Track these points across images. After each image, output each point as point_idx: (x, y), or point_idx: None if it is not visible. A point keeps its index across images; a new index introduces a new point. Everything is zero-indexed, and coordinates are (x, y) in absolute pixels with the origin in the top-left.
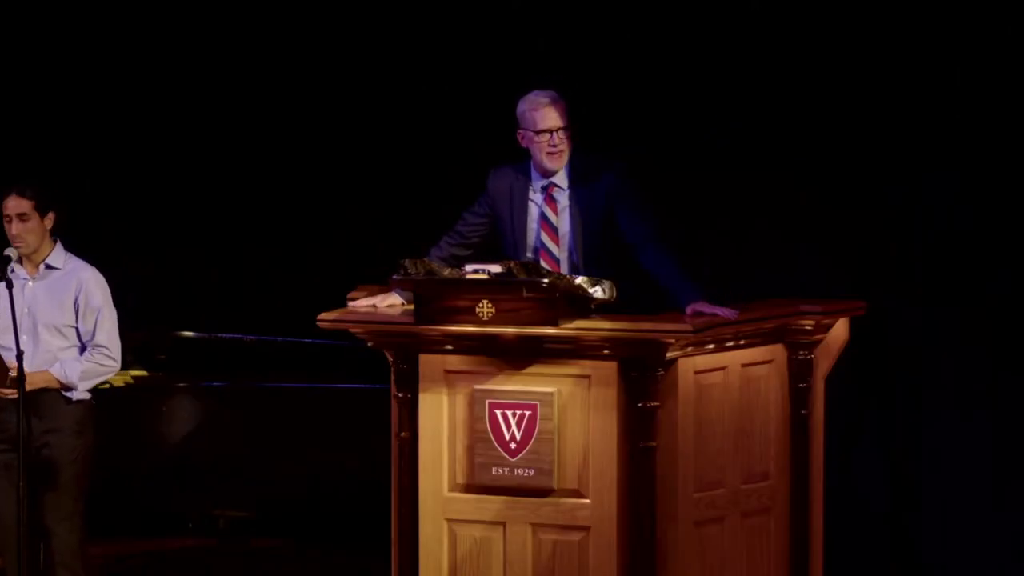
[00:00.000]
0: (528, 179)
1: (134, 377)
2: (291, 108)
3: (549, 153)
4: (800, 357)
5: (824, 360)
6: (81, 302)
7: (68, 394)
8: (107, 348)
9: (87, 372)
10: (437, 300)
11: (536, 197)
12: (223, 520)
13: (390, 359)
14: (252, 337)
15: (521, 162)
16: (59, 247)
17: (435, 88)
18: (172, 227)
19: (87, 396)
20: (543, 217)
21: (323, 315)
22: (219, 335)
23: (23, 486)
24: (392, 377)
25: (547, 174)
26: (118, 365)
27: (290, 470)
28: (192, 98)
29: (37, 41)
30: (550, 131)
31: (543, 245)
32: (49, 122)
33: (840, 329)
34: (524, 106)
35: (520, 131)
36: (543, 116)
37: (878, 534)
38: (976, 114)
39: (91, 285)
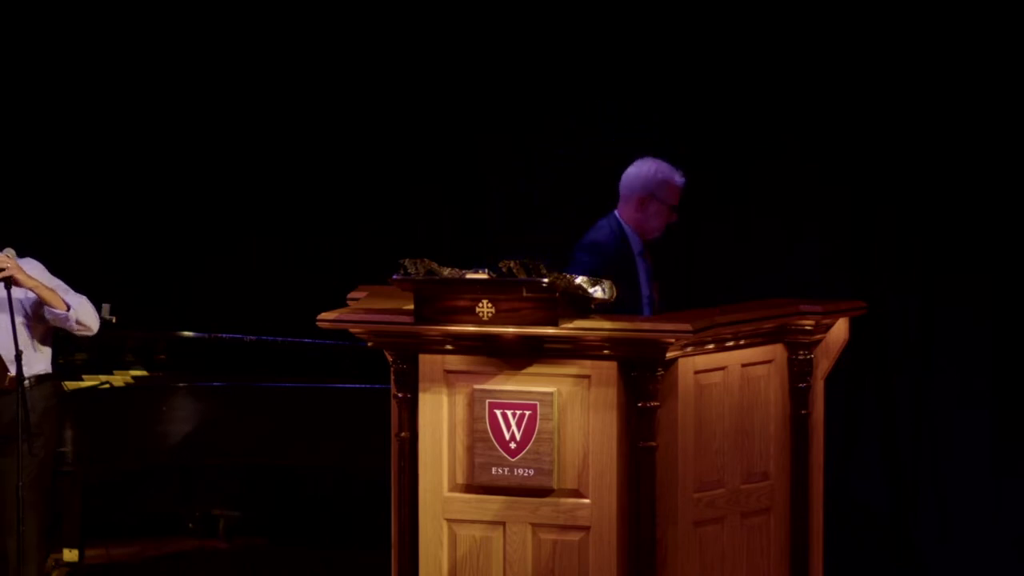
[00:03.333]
0: (627, 240)
1: (134, 377)
2: (291, 108)
3: (667, 224)
4: (800, 357)
5: (824, 360)
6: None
7: (28, 382)
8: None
9: (82, 303)
10: (437, 300)
11: (638, 259)
12: (223, 520)
13: (390, 359)
14: (252, 337)
15: (600, 227)
16: None
17: (435, 89)
18: (172, 227)
19: (48, 399)
20: (648, 273)
21: (323, 315)
22: (219, 335)
23: (22, 486)
24: (392, 377)
25: (644, 238)
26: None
27: (290, 470)
28: (192, 98)
29: (37, 40)
30: (678, 209)
31: (652, 298)
32: (49, 121)
33: (840, 329)
34: (664, 176)
35: (646, 197)
36: (679, 194)
37: (878, 534)
38: (976, 114)
39: (37, 270)
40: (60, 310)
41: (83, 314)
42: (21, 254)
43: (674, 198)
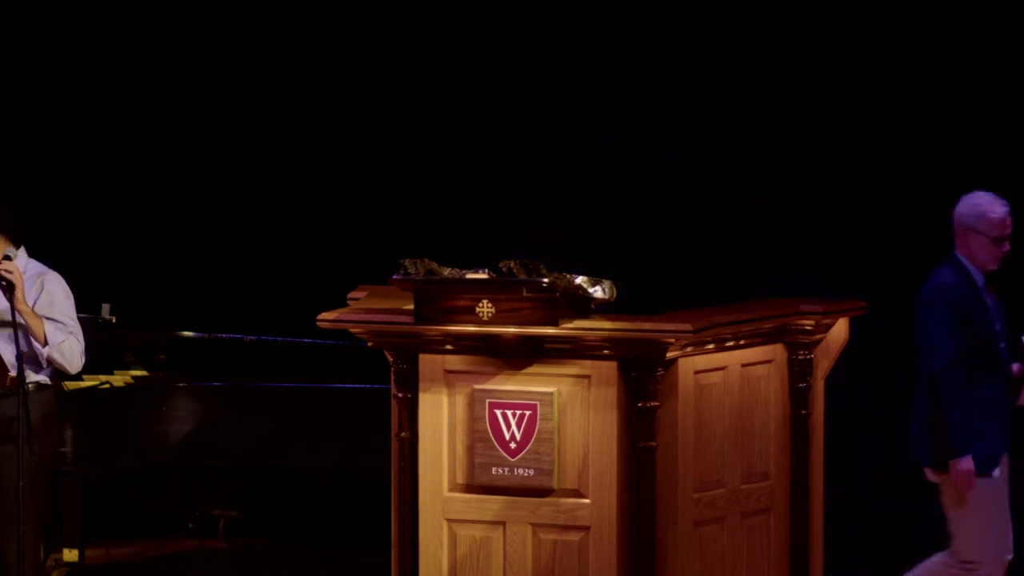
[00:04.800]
0: (971, 278)
1: (134, 377)
2: (291, 109)
3: (998, 259)
4: (800, 357)
5: (824, 360)
6: (43, 301)
7: (30, 387)
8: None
9: (66, 344)
10: (437, 300)
11: (984, 294)
12: (223, 520)
13: (390, 359)
14: (252, 337)
15: (941, 271)
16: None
17: (435, 89)
18: (172, 227)
19: (47, 405)
20: (996, 307)
21: (323, 315)
22: (219, 335)
23: (23, 486)
24: (392, 377)
25: (982, 270)
26: (80, 344)
27: (290, 470)
28: (192, 98)
29: (37, 40)
30: (1008, 239)
31: (1001, 334)
32: (49, 121)
33: (840, 329)
34: (983, 208)
35: (966, 231)
36: (1007, 223)
37: (878, 534)
38: (976, 114)
39: (53, 286)
40: (38, 343)
41: (59, 354)
42: (29, 255)
43: (994, 230)
